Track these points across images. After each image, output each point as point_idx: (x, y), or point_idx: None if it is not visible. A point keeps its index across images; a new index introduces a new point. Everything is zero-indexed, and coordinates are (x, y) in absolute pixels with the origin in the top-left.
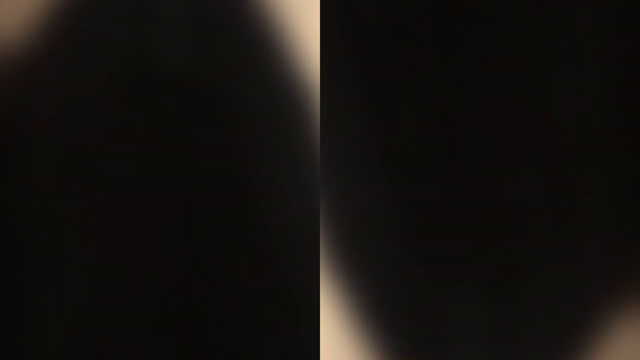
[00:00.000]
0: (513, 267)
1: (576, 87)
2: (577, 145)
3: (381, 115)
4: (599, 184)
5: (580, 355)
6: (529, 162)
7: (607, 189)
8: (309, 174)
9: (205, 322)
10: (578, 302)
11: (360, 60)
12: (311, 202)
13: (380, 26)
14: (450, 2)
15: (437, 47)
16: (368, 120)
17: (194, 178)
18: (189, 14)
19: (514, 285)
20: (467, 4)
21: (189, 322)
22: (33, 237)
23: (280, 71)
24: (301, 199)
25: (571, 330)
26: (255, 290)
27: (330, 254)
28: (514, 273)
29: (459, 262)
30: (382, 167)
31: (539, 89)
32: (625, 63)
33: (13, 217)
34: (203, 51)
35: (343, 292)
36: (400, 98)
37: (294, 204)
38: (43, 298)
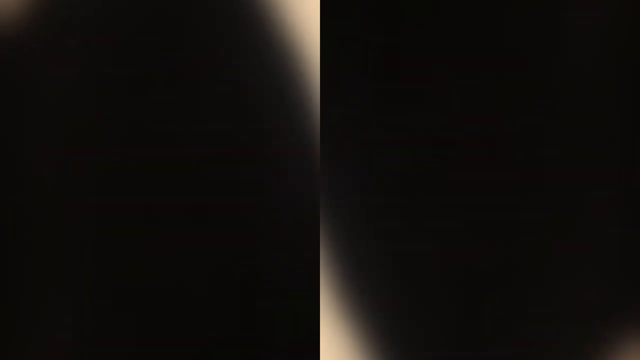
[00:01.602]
0: (516, 282)
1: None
2: (579, 159)
3: (382, 115)
4: (600, 206)
5: None
6: (533, 177)
7: (610, 212)
8: (309, 173)
9: (202, 322)
10: (580, 325)
11: (360, 59)
12: (311, 202)
13: (380, 24)
14: (450, 2)
15: (438, 43)
16: (368, 119)
17: (193, 178)
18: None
19: (519, 305)
20: (470, 7)
21: (186, 323)
22: (30, 230)
23: (281, 71)
24: (301, 198)
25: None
26: (255, 291)
27: (330, 256)
28: (519, 289)
29: (460, 266)
30: (382, 166)
31: (542, 117)
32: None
33: (8, 201)
34: (204, 49)
35: (342, 294)
36: (401, 97)
37: (294, 203)
38: (44, 297)
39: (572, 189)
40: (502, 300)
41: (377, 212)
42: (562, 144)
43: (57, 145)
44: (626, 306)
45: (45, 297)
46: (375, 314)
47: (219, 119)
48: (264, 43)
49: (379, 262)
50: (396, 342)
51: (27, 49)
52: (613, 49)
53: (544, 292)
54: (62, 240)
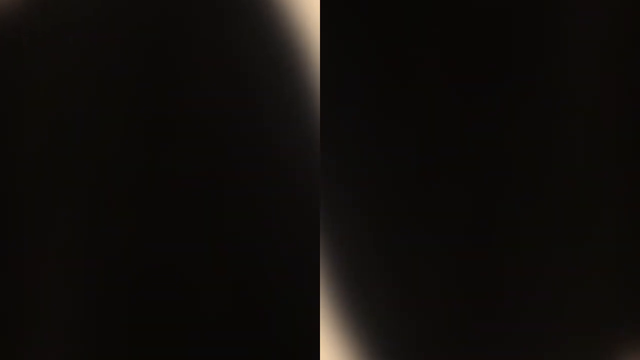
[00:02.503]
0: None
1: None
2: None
3: (382, 115)
4: (606, 228)
5: None
6: (536, 183)
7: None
8: (309, 174)
9: (201, 324)
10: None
11: (361, 59)
12: (311, 203)
13: (381, 22)
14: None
15: (438, 43)
16: (369, 120)
17: (193, 179)
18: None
19: (522, 320)
20: (471, 7)
21: (183, 325)
22: (29, 229)
23: (280, 71)
24: (301, 199)
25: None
26: (254, 293)
27: (330, 258)
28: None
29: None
30: (383, 167)
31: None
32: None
33: (6, 199)
34: (204, 48)
35: (342, 297)
36: (402, 97)
37: (294, 204)
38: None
39: (576, 191)
40: (503, 311)
41: (377, 214)
42: (566, 145)
43: (55, 143)
44: (632, 309)
45: (48, 299)
46: (375, 320)
47: (218, 119)
48: (263, 43)
49: (379, 265)
50: (395, 348)
51: (25, 45)
52: (613, 49)
53: (546, 315)
54: (65, 240)
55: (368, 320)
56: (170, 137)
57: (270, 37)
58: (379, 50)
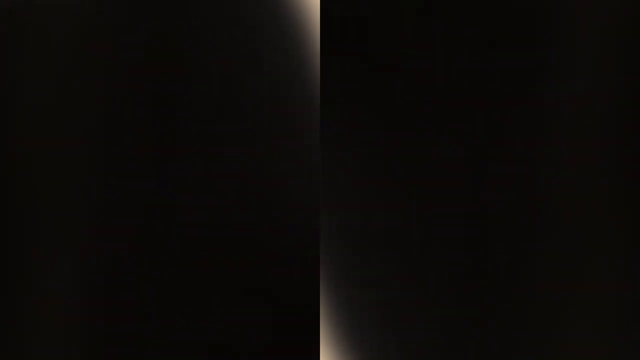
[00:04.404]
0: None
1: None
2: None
3: (383, 116)
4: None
5: None
6: (542, 203)
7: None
8: (309, 179)
9: (199, 324)
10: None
11: (361, 58)
12: (311, 207)
13: (382, 23)
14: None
15: (441, 42)
16: (369, 121)
17: (193, 180)
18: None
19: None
20: (472, 5)
21: (180, 329)
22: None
23: (280, 72)
24: (301, 205)
25: None
26: (253, 296)
27: (330, 262)
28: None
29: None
30: (383, 172)
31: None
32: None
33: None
34: (208, 49)
35: (342, 299)
36: (403, 98)
37: (293, 210)
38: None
39: (575, 198)
40: (503, 316)
41: (377, 218)
42: (571, 151)
43: (52, 139)
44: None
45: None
46: (373, 322)
47: (216, 120)
48: (263, 44)
49: (380, 271)
50: (394, 352)
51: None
52: (614, 49)
53: (551, 332)
54: (67, 236)
55: (366, 322)
56: (163, 139)
57: (271, 39)
58: (380, 52)
